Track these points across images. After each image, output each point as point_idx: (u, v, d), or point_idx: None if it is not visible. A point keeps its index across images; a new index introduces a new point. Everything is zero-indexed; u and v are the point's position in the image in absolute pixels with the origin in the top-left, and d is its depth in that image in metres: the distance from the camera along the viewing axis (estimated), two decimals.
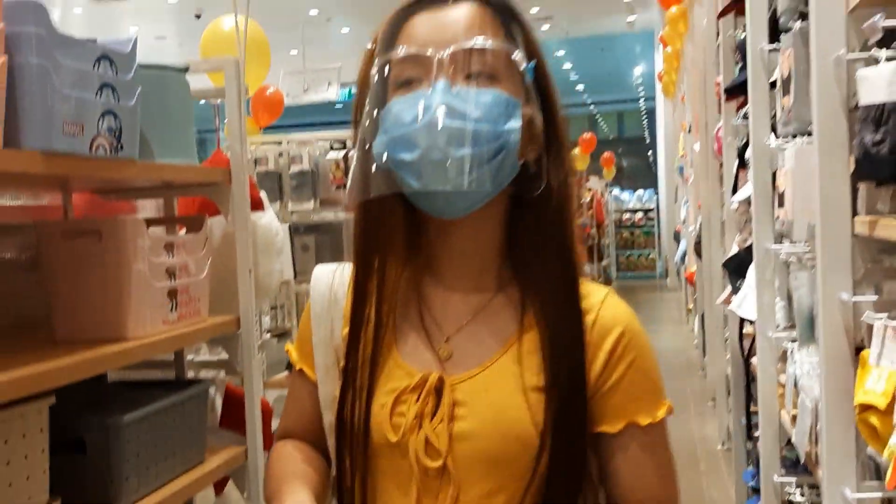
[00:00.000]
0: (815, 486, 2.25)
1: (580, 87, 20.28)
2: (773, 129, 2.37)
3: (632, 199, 17.02)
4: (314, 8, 11.92)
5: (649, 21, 14.29)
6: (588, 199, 11.26)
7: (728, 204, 3.54)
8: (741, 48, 3.08)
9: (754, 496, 2.97)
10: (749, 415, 3.24)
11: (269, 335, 3.25)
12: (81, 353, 1.33)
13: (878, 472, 1.62)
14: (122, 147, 1.36)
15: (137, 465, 1.46)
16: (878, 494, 1.59)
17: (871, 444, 1.44)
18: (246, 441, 1.81)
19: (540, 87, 0.95)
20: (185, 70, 1.66)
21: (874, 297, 1.56)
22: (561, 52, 17.09)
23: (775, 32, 2.42)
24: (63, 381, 1.25)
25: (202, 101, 1.96)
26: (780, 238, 2.33)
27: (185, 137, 1.66)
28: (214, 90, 1.87)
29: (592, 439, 0.96)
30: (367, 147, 0.92)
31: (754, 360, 2.79)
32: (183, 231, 1.65)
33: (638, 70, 19.16)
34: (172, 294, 1.58)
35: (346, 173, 3.40)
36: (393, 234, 0.97)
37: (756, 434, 2.97)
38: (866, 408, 1.41)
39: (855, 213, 1.61)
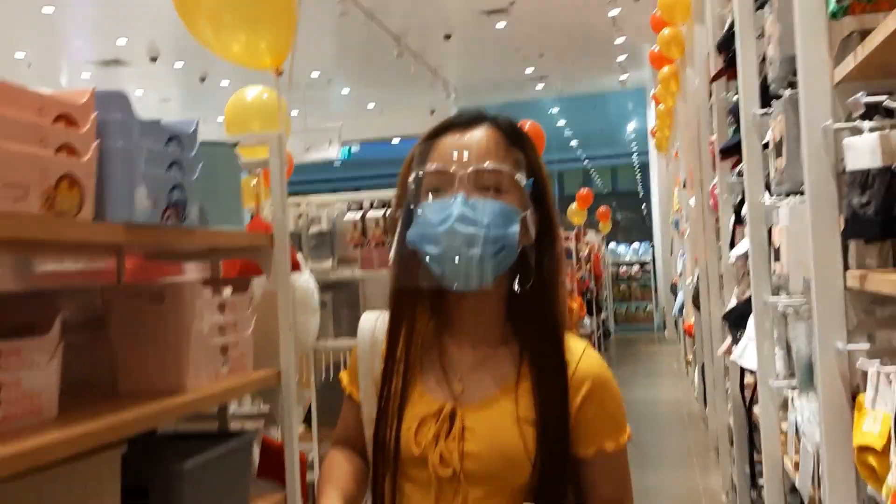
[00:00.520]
0: None
1: (574, 142, 20.40)
2: (767, 187, 2.41)
3: (628, 251, 17.05)
4: (316, 70, 12.19)
5: (641, 79, 14.52)
6: (586, 252, 11.30)
7: (726, 258, 3.57)
8: (734, 111, 3.14)
9: None
10: (752, 463, 3.28)
11: None
12: (148, 405, 1.40)
13: None
14: (186, 217, 1.48)
15: None
16: None
17: (870, 483, 1.47)
18: (285, 489, 1.87)
19: (538, 194, 1.24)
20: (235, 146, 1.80)
21: (867, 346, 1.63)
22: (555, 110, 17.31)
23: (766, 96, 2.51)
24: (131, 432, 1.33)
25: None
26: (777, 290, 2.34)
27: (234, 205, 1.79)
28: (259, 161, 2.00)
29: (571, 461, 1.23)
30: (404, 231, 1.21)
31: (756, 408, 2.79)
32: (228, 290, 1.77)
33: (631, 126, 19.22)
34: (224, 350, 1.68)
35: (385, 231, 3.56)
36: (422, 298, 1.26)
37: (760, 482, 2.99)
38: (864, 449, 1.45)
39: (847, 267, 1.67)
